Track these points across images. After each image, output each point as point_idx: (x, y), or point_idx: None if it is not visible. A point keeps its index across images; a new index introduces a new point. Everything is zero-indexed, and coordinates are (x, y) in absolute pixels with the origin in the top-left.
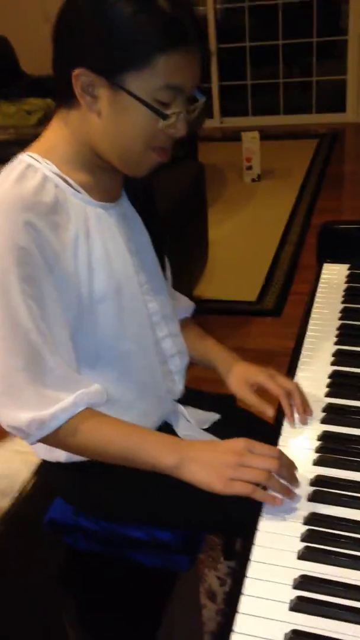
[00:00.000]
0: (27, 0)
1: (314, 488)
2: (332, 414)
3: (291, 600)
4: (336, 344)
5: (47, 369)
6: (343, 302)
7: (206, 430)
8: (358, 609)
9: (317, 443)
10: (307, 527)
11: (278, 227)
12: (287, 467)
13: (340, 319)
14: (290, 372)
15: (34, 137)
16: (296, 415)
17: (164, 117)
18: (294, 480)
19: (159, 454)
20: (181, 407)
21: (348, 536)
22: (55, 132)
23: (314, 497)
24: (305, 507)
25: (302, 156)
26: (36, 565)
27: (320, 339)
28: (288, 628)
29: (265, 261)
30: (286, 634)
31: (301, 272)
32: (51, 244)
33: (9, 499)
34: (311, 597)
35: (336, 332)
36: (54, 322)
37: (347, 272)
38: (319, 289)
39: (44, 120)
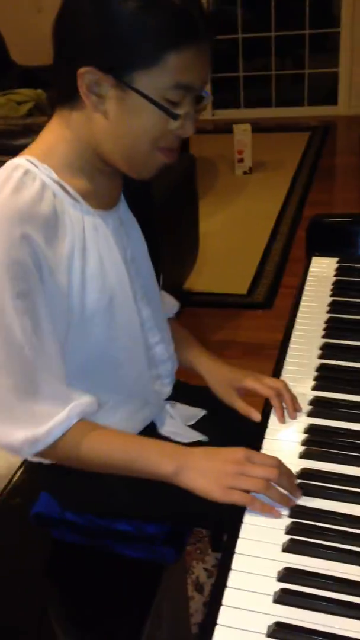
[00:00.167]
0: None
1: (300, 481)
2: (319, 407)
3: (275, 593)
4: (324, 337)
5: (39, 385)
6: (331, 296)
7: (192, 426)
8: (341, 601)
9: (304, 436)
10: (292, 519)
11: (269, 220)
12: (287, 476)
13: (328, 312)
14: (279, 365)
15: (23, 127)
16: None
17: (175, 117)
18: (294, 490)
19: (159, 462)
20: (167, 406)
21: (332, 529)
22: (55, 133)
23: (300, 489)
24: None
25: (294, 149)
26: (23, 558)
27: (308, 332)
28: (271, 620)
29: (256, 254)
30: (269, 627)
31: (292, 265)
32: (46, 257)
33: None
34: (295, 590)
35: (324, 326)
36: (46, 335)
37: (336, 266)
38: (307, 283)
39: (34, 111)
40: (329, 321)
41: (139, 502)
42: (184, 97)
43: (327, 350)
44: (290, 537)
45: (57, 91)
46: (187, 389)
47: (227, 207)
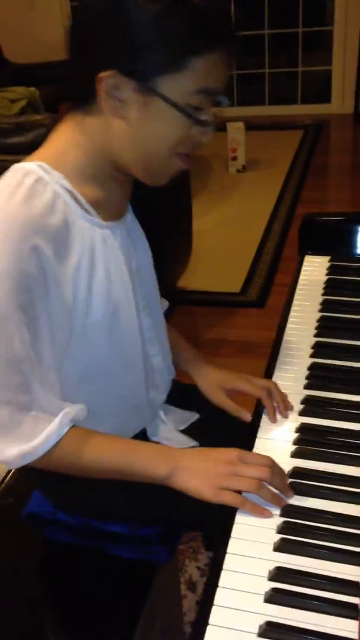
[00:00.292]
0: None
1: (291, 480)
2: (311, 406)
3: (266, 592)
4: (316, 336)
5: (34, 399)
6: (323, 295)
7: (184, 430)
8: (332, 600)
9: (295, 435)
10: (283, 519)
11: (262, 218)
12: (280, 476)
13: (320, 311)
14: (271, 364)
15: (16, 125)
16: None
17: (200, 123)
18: (286, 489)
19: (153, 466)
20: (160, 412)
21: (324, 528)
22: (66, 138)
23: (292, 489)
24: None
25: (287, 147)
26: (15, 558)
27: (300, 331)
28: (263, 620)
29: (249, 252)
30: (261, 626)
31: (285, 263)
32: (53, 270)
33: None
34: (286, 589)
35: (316, 325)
36: (45, 348)
37: (328, 265)
38: (300, 282)
39: (27, 109)
40: (321, 320)
41: (132, 504)
42: (206, 102)
43: (319, 349)
44: (282, 536)
45: (71, 94)
46: (179, 388)
47: (221, 205)
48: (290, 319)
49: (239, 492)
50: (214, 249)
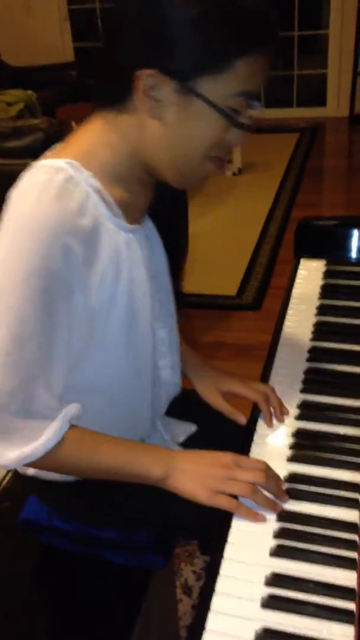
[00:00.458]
0: None
1: (288, 485)
2: (307, 411)
3: (263, 598)
4: (312, 340)
5: (36, 402)
6: (320, 299)
7: (182, 444)
8: (329, 606)
9: (291, 440)
10: (279, 523)
11: (258, 221)
12: (275, 481)
13: (316, 315)
14: (267, 368)
15: (13, 130)
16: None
17: (240, 126)
18: (281, 494)
19: (149, 467)
20: (159, 424)
21: (320, 533)
22: (95, 136)
23: (287, 494)
24: None
25: (283, 150)
26: (11, 563)
27: (296, 335)
28: (259, 625)
29: (245, 255)
30: (257, 632)
31: (281, 266)
32: (81, 273)
33: None
34: (282, 595)
35: (312, 329)
36: (58, 352)
37: (324, 269)
38: (295, 286)
39: (24, 112)
40: (317, 324)
41: (127, 507)
42: (244, 105)
43: (315, 354)
44: (278, 541)
45: (102, 92)
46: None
47: (217, 208)
48: (286, 323)
49: (235, 496)
50: (210, 251)
